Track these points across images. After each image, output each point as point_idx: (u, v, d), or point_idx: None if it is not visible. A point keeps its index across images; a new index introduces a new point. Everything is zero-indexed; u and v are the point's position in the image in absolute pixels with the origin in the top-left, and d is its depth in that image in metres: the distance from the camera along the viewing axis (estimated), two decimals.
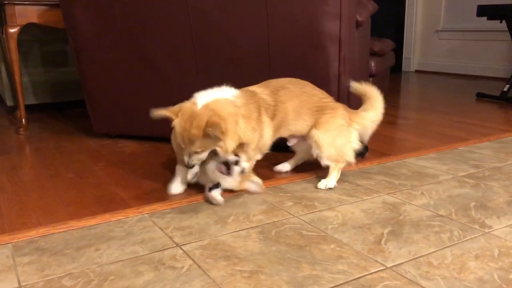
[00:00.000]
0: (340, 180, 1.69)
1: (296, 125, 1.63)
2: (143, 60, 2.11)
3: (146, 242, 1.25)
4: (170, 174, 1.81)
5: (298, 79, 1.67)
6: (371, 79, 2.81)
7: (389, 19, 5.27)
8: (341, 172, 1.67)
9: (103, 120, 2.30)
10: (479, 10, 3.24)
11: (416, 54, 5.37)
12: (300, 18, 1.82)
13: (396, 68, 5.30)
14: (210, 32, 1.95)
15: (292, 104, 1.60)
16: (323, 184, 1.62)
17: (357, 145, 1.65)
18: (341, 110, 1.66)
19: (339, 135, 1.62)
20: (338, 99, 1.90)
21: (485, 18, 3.30)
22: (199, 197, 1.54)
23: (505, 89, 3.25)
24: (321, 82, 1.89)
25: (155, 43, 2.06)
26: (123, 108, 2.24)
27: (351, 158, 1.65)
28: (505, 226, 1.30)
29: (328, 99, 1.67)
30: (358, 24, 2.08)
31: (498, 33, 4.38)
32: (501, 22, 3.28)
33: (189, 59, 2.03)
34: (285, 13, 1.83)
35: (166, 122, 2.16)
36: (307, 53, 1.86)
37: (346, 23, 1.82)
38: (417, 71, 5.34)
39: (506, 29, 3.32)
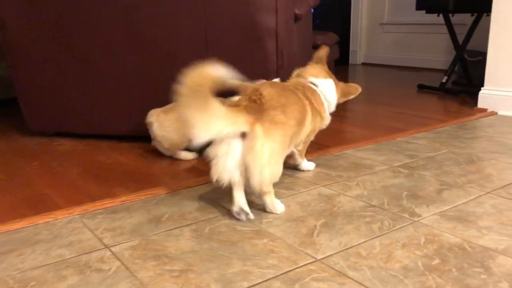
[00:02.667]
0: None
1: None
2: (77, 56, 2.03)
3: (74, 244, 1.20)
4: (105, 173, 1.76)
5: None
6: None
7: (335, 13, 5.35)
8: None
9: (38, 117, 2.21)
10: (418, 4, 3.33)
11: (362, 47, 5.48)
12: (236, 12, 1.80)
13: (343, 61, 5.40)
14: (145, 26, 1.91)
15: None
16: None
17: None
18: None
19: None
20: None
21: (425, 11, 3.40)
22: (133, 196, 1.50)
23: (444, 81, 3.36)
24: (260, 75, 1.88)
25: (88, 38, 1.99)
26: (58, 105, 2.15)
27: None
28: (432, 214, 1.34)
29: None
30: (296, 18, 2.09)
31: (438, 26, 4.53)
32: (438, 15, 3.39)
33: (124, 54, 1.97)
34: (222, 7, 1.81)
35: (104, 118, 2.10)
36: (245, 47, 1.85)
37: (283, 17, 1.82)
38: (363, 64, 5.46)
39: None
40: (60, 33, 2.01)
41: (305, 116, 1.51)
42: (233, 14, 1.81)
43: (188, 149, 1.87)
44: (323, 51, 1.73)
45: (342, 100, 1.75)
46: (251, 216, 1.33)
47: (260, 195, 1.34)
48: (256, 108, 1.29)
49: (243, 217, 1.32)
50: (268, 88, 1.37)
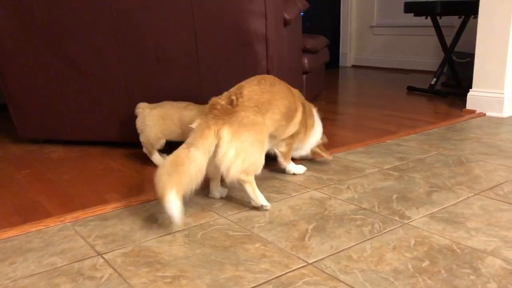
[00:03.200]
0: (270, 178, 1.70)
1: None
2: (67, 61, 2.03)
3: (66, 252, 1.20)
4: (97, 179, 1.75)
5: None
6: (304, 76, 2.86)
7: (325, 16, 5.38)
8: (273, 170, 1.69)
9: (28, 124, 2.20)
10: (406, 7, 3.37)
11: (352, 49, 5.52)
12: (226, 17, 1.81)
13: (334, 64, 5.43)
14: (135, 31, 1.91)
15: None
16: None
17: None
18: None
19: None
20: None
21: (413, 14, 3.44)
22: (124, 203, 1.50)
23: (433, 82, 3.40)
24: None
25: (78, 43, 1.99)
26: (49, 111, 2.14)
27: None
28: (422, 216, 1.35)
29: None
30: (286, 22, 2.10)
31: (426, 28, 4.57)
32: (426, 18, 3.42)
33: (114, 59, 1.98)
34: (211, 12, 1.82)
35: (95, 124, 2.10)
36: (235, 52, 1.86)
37: (272, 22, 1.83)
38: (353, 66, 5.49)
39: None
40: (51, 39, 2.00)
41: (294, 113, 1.61)
42: (223, 20, 1.82)
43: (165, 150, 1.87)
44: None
45: (316, 149, 1.83)
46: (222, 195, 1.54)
47: (240, 185, 1.43)
48: (227, 110, 1.39)
49: (216, 195, 1.53)
50: (251, 86, 1.46)
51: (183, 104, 1.84)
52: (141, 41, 1.92)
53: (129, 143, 2.17)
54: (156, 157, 1.88)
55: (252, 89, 1.45)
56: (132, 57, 1.96)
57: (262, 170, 1.71)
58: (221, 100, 1.43)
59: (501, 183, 1.60)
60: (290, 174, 1.74)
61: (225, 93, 1.47)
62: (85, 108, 2.10)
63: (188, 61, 1.91)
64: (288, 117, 1.57)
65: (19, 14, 1.98)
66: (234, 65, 1.88)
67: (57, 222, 1.38)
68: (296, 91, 1.68)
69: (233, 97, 1.42)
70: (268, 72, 1.89)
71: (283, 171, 1.75)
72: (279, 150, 1.68)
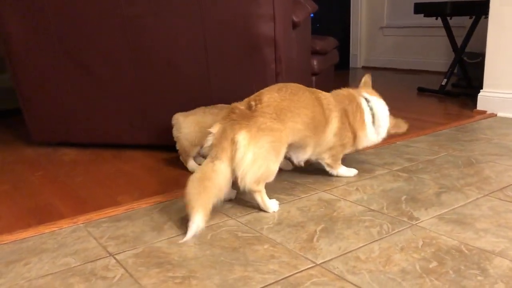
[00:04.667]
0: (279, 179, 1.71)
1: None
2: (79, 66, 2.06)
3: (79, 253, 1.23)
4: (109, 182, 1.78)
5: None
6: (314, 77, 2.87)
7: (335, 18, 5.38)
8: (282, 171, 1.70)
9: (41, 128, 2.24)
10: (416, 7, 3.36)
11: (362, 50, 5.51)
12: (235, 21, 1.83)
13: (344, 65, 5.43)
14: (146, 37, 1.94)
15: None
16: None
17: None
18: None
19: None
20: None
21: (423, 15, 3.43)
22: (136, 205, 1.53)
23: (443, 83, 3.39)
24: (259, 82, 1.91)
25: (91, 48, 2.02)
26: (62, 115, 2.18)
27: None
28: (431, 217, 1.36)
29: None
30: (295, 25, 2.12)
31: (436, 28, 4.55)
32: (436, 19, 3.41)
33: (126, 64, 2.01)
34: (220, 17, 1.84)
35: (106, 127, 2.14)
36: (244, 55, 1.88)
37: (281, 25, 1.85)
38: (364, 67, 5.49)
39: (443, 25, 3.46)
40: (63, 45, 2.04)
41: (324, 126, 1.58)
42: (232, 23, 1.84)
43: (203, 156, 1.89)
44: (368, 78, 1.89)
45: (392, 131, 1.79)
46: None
47: (250, 194, 1.43)
48: (245, 115, 1.39)
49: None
50: (271, 93, 1.45)
51: (216, 109, 1.83)
52: (152, 46, 1.95)
53: (140, 145, 2.20)
54: (192, 164, 1.86)
55: (272, 96, 1.44)
56: (143, 62, 1.99)
57: None
58: (240, 105, 1.43)
59: (511, 184, 1.59)
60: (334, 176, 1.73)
61: (245, 99, 1.47)
62: (97, 112, 2.14)
63: (197, 65, 1.93)
64: (314, 128, 1.53)
65: (34, 20, 2.02)
66: (243, 69, 1.90)
67: (70, 224, 1.41)
68: (328, 101, 1.61)
69: (252, 103, 1.42)
70: (277, 75, 1.91)
71: (297, 171, 1.77)
72: (324, 161, 1.69)
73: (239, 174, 1.35)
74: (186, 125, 1.82)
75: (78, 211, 1.50)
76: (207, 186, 1.31)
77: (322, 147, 1.62)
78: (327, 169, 1.71)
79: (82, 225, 1.41)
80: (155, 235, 1.32)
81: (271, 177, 1.44)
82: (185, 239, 1.28)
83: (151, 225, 1.38)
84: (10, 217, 1.48)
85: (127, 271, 1.13)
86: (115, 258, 1.19)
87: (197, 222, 1.28)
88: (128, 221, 1.42)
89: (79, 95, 2.12)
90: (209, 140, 1.40)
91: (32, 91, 2.17)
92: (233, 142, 1.34)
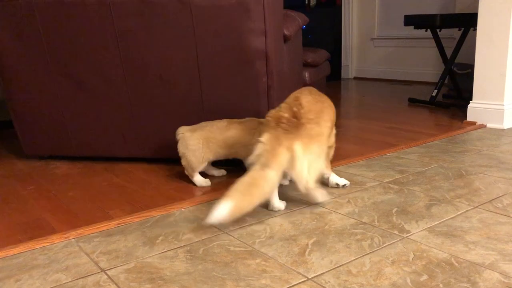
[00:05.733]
0: None
1: None
2: (71, 79, 2.07)
3: (70, 269, 1.23)
4: (101, 196, 1.78)
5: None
6: None
7: (327, 29, 5.43)
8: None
9: (33, 141, 2.23)
10: (406, 20, 3.40)
11: (353, 61, 5.56)
12: (227, 36, 1.85)
13: (336, 76, 5.47)
14: (138, 51, 1.95)
15: None
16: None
17: None
18: None
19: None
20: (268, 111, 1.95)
21: (413, 27, 3.47)
22: (128, 219, 1.53)
23: (434, 94, 3.42)
24: (251, 96, 1.93)
25: (83, 62, 2.03)
26: (54, 128, 2.18)
27: None
28: (421, 230, 1.37)
29: None
30: (286, 39, 2.14)
31: (427, 40, 4.61)
32: (426, 31, 3.46)
33: (118, 78, 2.01)
34: (212, 30, 1.85)
35: (99, 141, 2.14)
36: (236, 69, 1.89)
37: (272, 39, 1.87)
38: (355, 78, 5.53)
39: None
40: (55, 59, 2.05)
41: (334, 120, 1.70)
42: (223, 37, 1.85)
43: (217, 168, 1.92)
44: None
45: None
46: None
47: (307, 193, 1.53)
48: (294, 124, 1.47)
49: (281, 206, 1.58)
50: (306, 97, 1.54)
51: (223, 123, 1.82)
52: (144, 60, 1.96)
53: (132, 158, 2.20)
54: (199, 180, 1.84)
55: (308, 99, 1.53)
56: (135, 76, 2.00)
57: None
58: (283, 113, 1.49)
59: (500, 196, 1.61)
60: (333, 186, 1.76)
61: (282, 105, 1.53)
62: (89, 125, 2.14)
63: (190, 79, 1.94)
64: (333, 124, 1.67)
65: (25, 34, 2.03)
66: (235, 82, 1.91)
67: (61, 239, 1.40)
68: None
69: (295, 109, 1.49)
70: (268, 88, 1.92)
71: (290, 185, 1.78)
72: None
73: (302, 181, 1.46)
74: (193, 142, 1.80)
75: (70, 226, 1.50)
76: (253, 193, 1.38)
77: (329, 144, 1.70)
78: (326, 172, 1.74)
79: (73, 240, 1.40)
80: (147, 250, 1.31)
81: (320, 173, 1.57)
82: (206, 221, 1.38)
83: (143, 240, 1.38)
84: (0, 233, 1.48)
85: (118, 287, 1.12)
86: (106, 274, 1.19)
87: (223, 208, 1.32)
88: (120, 236, 1.41)
89: (71, 108, 2.12)
90: (259, 149, 1.45)
91: (24, 105, 2.17)
92: (291, 151, 1.43)
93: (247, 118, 1.88)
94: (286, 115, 1.48)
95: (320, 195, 1.57)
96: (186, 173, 1.86)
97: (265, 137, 1.45)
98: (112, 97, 2.06)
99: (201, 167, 1.83)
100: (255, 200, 1.38)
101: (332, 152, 1.76)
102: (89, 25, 1.96)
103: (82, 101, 2.10)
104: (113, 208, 1.65)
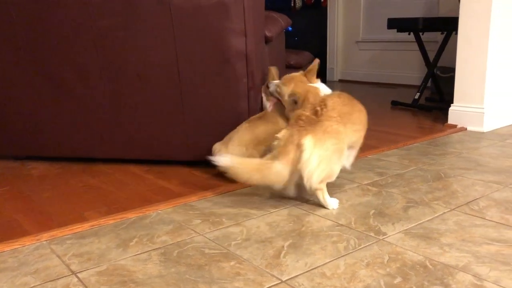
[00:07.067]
0: (250, 193, 1.71)
1: None
2: (48, 78, 2.03)
3: (40, 272, 1.20)
4: (76, 197, 1.75)
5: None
6: None
7: (313, 32, 5.45)
8: (253, 185, 1.71)
9: (9, 141, 2.19)
10: (389, 23, 3.42)
11: (339, 64, 5.58)
12: (206, 36, 1.83)
13: (321, 78, 5.47)
14: (117, 50, 1.92)
15: None
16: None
17: None
18: None
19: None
20: (249, 113, 1.94)
21: (396, 30, 3.49)
22: (102, 221, 1.50)
23: (416, 97, 3.44)
24: (231, 97, 1.91)
25: (60, 60, 1.99)
26: (31, 127, 2.14)
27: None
28: (398, 232, 1.37)
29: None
30: (267, 40, 2.13)
31: (410, 43, 4.63)
32: (409, 34, 3.48)
33: (96, 77, 1.99)
34: (192, 31, 1.84)
35: (77, 141, 2.10)
36: (216, 70, 1.88)
37: (252, 39, 1.86)
38: (340, 81, 5.55)
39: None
40: (31, 57, 2.01)
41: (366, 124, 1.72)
42: (203, 38, 1.84)
43: None
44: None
45: None
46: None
47: (312, 192, 1.54)
48: (312, 120, 1.51)
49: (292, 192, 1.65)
50: (333, 99, 1.59)
51: (245, 125, 1.86)
52: (123, 59, 1.93)
53: (110, 159, 2.17)
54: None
55: (334, 100, 1.57)
56: (114, 75, 1.97)
57: (243, 185, 1.73)
58: (305, 112, 1.54)
59: (477, 198, 1.62)
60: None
61: (309, 105, 1.58)
62: (66, 125, 2.10)
63: (169, 78, 1.92)
64: (364, 128, 1.69)
65: (1, 32, 1.99)
66: (215, 83, 1.90)
67: (33, 241, 1.37)
68: None
69: (318, 108, 1.53)
70: (249, 89, 1.91)
71: (264, 187, 1.77)
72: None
73: (305, 174, 1.46)
74: (235, 152, 1.79)
75: (43, 228, 1.47)
76: (251, 172, 1.48)
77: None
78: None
79: (45, 242, 1.37)
80: (120, 252, 1.29)
81: (334, 177, 1.57)
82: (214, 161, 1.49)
83: (116, 242, 1.35)
84: None
85: None
86: (77, 277, 1.16)
87: (226, 158, 1.48)
88: (93, 238, 1.39)
89: (48, 108, 2.09)
90: (275, 144, 1.52)
91: (1, 105, 2.12)
92: (299, 146, 1.46)
93: (262, 112, 1.94)
94: (307, 113, 1.54)
95: (328, 200, 1.55)
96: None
97: (281, 133, 1.52)
98: (90, 96, 2.02)
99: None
100: (249, 177, 1.49)
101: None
102: (67, 23, 1.93)
103: (59, 100, 2.06)
104: (88, 210, 1.62)
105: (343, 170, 1.65)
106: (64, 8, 1.92)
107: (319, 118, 1.51)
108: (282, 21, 2.42)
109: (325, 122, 1.50)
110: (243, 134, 1.85)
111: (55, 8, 1.93)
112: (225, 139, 1.87)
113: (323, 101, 1.56)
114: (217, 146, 1.87)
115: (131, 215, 1.54)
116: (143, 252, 1.29)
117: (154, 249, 1.30)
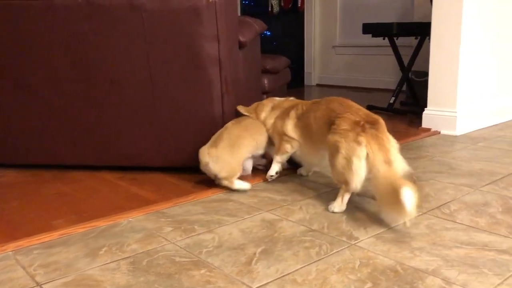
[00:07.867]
0: (224, 200, 1.70)
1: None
2: (18, 83, 1.98)
3: (3, 284, 1.16)
4: (46, 205, 1.71)
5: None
6: (265, 96, 2.88)
7: (290, 37, 5.47)
8: (229, 191, 1.69)
9: None
10: (364, 28, 3.46)
11: (316, 68, 5.61)
12: (179, 41, 1.82)
13: (299, 82, 5.50)
14: (88, 55, 1.89)
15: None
16: (330, 206, 1.61)
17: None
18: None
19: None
20: (223, 119, 1.92)
21: (371, 35, 3.53)
22: (72, 229, 1.47)
23: (391, 101, 3.48)
24: (205, 102, 1.90)
25: (30, 66, 1.95)
26: (1, 135, 2.09)
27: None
28: (369, 237, 1.37)
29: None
30: (241, 45, 2.12)
31: (385, 48, 4.68)
32: (384, 39, 3.52)
33: (68, 82, 1.95)
34: (164, 36, 1.82)
35: (48, 148, 2.05)
36: (188, 75, 1.86)
37: (225, 45, 1.85)
38: (318, 85, 5.58)
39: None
40: (3, 63, 1.96)
41: None
42: (176, 42, 1.82)
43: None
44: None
45: None
46: None
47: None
48: (373, 131, 1.63)
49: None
50: (354, 106, 1.83)
51: (230, 124, 1.88)
52: (95, 64, 1.90)
53: (82, 166, 2.13)
54: (238, 184, 1.79)
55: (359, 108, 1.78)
56: (86, 80, 1.93)
57: (217, 191, 1.71)
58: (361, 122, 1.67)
59: (448, 202, 1.64)
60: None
61: (348, 120, 1.68)
62: (37, 132, 2.06)
63: (141, 84, 1.90)
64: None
65: None
66: (188, 88, 1.88)
67: None
68: None
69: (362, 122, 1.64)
70: (223, 95, 1.90)
71: (239, 192, 1.75)
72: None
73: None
74: (221, 152, 1.76)
75: (9, 238, 1.43)
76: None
77: None
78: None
79: (11, 252, 1.33)
80: (88, 262, 1.26)
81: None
82: None
83: (85, 252, 1.32)
84: None
85: None
86: None
87: None
88: (61, 247, 1.35)
89: (18, 114, 2.04)
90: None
91: None
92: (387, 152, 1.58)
93: (244, 116, 1.96)
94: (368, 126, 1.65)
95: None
96: (225, 183, 1.79)
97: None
98: (62, 102, 1.99)
99: (240, 168, 1.81)
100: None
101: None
102: (36, 28, 1.89)
103: (31, 107, 2.02)
104: (58, 218, 1.58)
105: (319, 175, 1.65)
106: (36, 13, 1.88)
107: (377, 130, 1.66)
108: (256, 26, 2.41)
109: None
110: (230, 134, 1.82)
111: (26, 12, 1.89)
112: (210, 142, 1.81)
113: (356, 112, 1.80)
114: (205, 150, 1.79)
115: (102, 223, 1.51)
116: (112, 261, 1.26)
117: (123, 258, 1.28)
